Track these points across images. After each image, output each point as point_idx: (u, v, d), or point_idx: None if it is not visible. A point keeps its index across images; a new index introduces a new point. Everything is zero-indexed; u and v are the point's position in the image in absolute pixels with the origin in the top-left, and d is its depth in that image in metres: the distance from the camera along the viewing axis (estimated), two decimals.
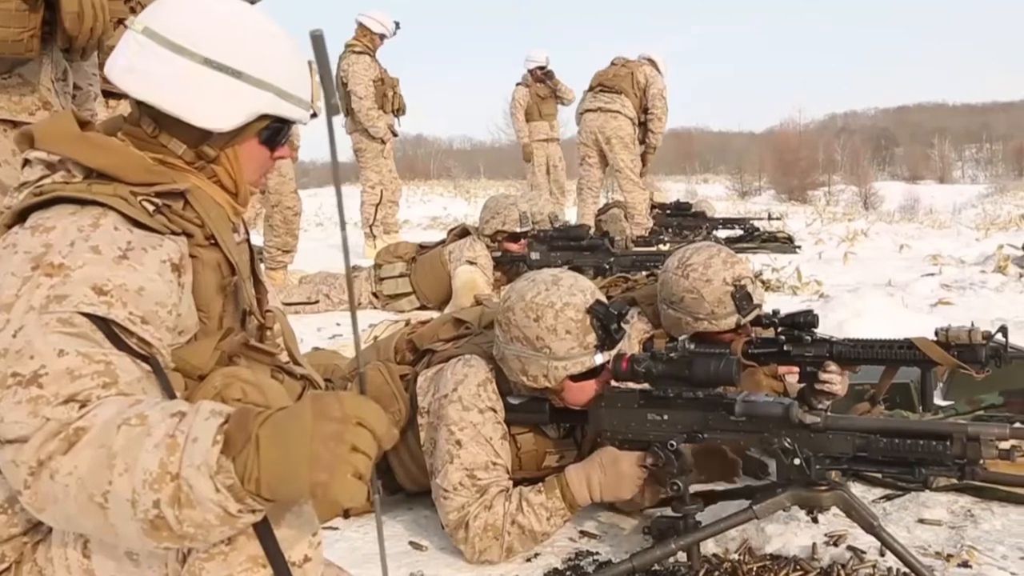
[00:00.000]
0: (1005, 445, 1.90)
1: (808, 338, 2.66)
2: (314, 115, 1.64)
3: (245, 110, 1.53)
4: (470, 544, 2.26)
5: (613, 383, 2.30)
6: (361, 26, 7.53)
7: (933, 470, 1.96)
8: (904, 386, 3.13)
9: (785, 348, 2.68)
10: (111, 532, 1.21)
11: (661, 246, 6.14)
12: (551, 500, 2.27)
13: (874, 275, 6.94)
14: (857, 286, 6.24)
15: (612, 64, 8.17)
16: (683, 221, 8.26)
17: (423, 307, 5.32)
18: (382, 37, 7.58)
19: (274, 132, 1.62)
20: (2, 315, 1.30)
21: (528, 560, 2.32)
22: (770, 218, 9.17)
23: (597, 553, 2.36)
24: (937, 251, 8.03)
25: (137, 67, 1.50)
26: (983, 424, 1.94)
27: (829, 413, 2.14)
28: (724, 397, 2.15)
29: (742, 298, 2.70)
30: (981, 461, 1.90)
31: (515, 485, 2.34)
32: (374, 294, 5.37)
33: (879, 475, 2.58)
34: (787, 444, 2.06)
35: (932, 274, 6.81)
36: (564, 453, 2.49)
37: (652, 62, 8.12)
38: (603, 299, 2.28)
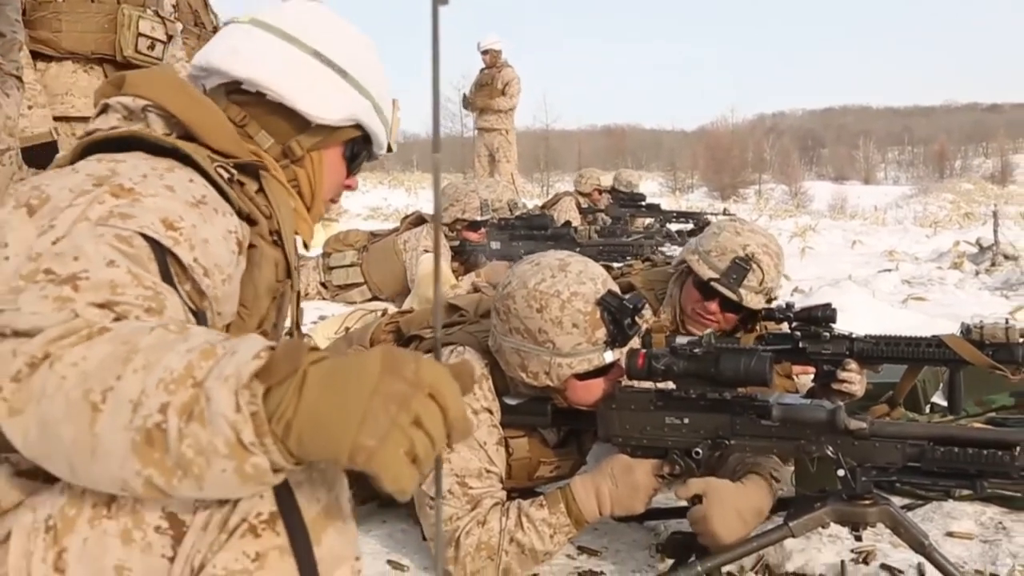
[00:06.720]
0: None
1: (826, 334, 2.43)
2: (389, 149, 1.65)
3: (347, 108, 1.50)
4: (460, 564, 1.97)
5: (625, 382, 2.04)
6: None
7: (995, 483, 1.75)
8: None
9: (801, 345, 2.44)
10: (87, 447, 0.93)
11: (624, 237, 5.90)
12: (555, 515, 1.98)
13: (832, 270, 6.83)
14: (817, 281, 6.12)
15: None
16: (636, 212, 8.03)
17: (375, 298, 4.98)
18: None
19: (355, 153, 1.59)
20: (43, 221, 1.11)
21: None
22: (725, 212, 9.01)
23: (601, 573, 2.11)
24: (890, 247, 7.96)
25: (243, 49, 1.46)
26: None
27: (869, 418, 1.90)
28: (754, 399, 1.91)
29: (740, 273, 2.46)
30: None
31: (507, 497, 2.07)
32: (323, 284, 5.02)
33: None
34: (829, 452, 1.83)
35: (889, 270, 6.74)
36: (560, 463, 2.22)
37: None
38: (615, 289, 2.01)
